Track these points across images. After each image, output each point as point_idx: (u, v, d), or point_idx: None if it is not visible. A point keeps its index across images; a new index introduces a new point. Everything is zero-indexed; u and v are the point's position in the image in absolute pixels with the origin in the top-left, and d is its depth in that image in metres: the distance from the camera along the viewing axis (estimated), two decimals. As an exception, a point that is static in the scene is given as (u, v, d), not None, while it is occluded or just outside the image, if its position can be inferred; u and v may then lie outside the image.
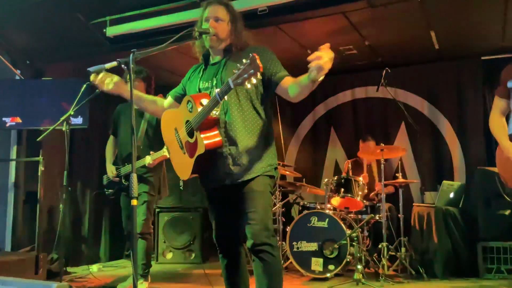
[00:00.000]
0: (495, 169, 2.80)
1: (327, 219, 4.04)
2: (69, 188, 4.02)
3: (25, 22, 4.40)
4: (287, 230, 4.20)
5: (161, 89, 2.99)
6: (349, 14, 3.98)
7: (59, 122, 3.36)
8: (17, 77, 4.83)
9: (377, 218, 4.31)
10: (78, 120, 4.44)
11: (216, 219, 2.35)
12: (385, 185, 4.74)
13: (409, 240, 4.29)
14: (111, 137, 3.89)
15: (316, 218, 4.08)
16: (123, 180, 3.61)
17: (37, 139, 3.64)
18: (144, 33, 4.18)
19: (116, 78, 2.27)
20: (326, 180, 4.46)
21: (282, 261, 4.48)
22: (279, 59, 2.23)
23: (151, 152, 3.44)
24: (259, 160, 2.19)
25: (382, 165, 4.21)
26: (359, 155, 4.92)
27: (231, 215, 2.29)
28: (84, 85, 3.44)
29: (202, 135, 2.06)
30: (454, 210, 4.17)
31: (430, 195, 5.00)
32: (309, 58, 1.85)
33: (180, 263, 5.06)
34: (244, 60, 1.87)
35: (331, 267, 3.94)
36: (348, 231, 3.95)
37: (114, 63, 1.82)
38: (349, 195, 4.28)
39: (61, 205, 3.76)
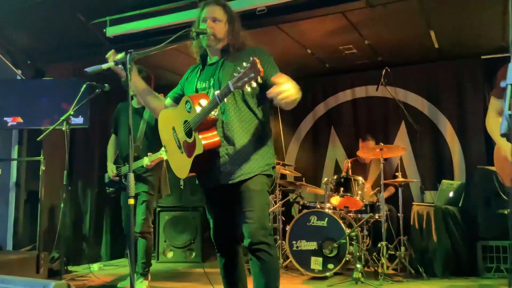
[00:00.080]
0: (494, 168, 2.80)
1: (326, 218, 4.05)
2: (70, 188, 4.04)
3: (26, 22, 4.42)
4: (287, 229, 4.21)
5: (161, 89, 3.00)
6: (348, 13, 3.98)
7: (59, 122, 3.38)
8: (18, 77, 4.86)
9: (377, 217, 4.32)
10: (79, 120, 4.46)
11: (213, 218, 2.36)
12: (386, 186, 4.76)
13: (408, 239, 4.29)
14: (113, 136, 3.91)
15: (316, 217, 4.09)
16: (123, 179, 3.63)
17: (37, 139, 3.66)
18: (144, 33, 4.19)
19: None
20: (325, 179, 4.47)
21: (282, 260, 4.50)
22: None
23: (149, 154, 3.46)
24: (257, 160, 2.21)
25: (382, 165, 4.21)
26: (359, 154, 4.92)
27: (228, 214, 2.30)
28: (84, 85, 3.46)
29: (200, 136, 2.07)
30: (453, 209, 4.17)
31: (430, 194, 5.00)
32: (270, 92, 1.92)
33: (181, 262, 5.08)
34: (244, 64, 1.88)
35: (330, 266, 3.95)
36: (348, 230, 3.96)
37: (111, 63, 1.83)
38: (349, 194, 4.29)
39: (62, 204, 3.78)
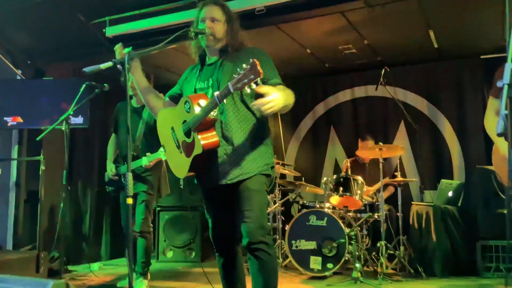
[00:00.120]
0: (493, 168, 2.81)
1: (325, 218, 4.06)
2: (69, 187, 4.05)
3: (26, 22, 4.43)
4: (286, 228, 4.22)
5: (161, 89, 2.99)
6: (347, 13, 3.99)
7: (58, 121, 3.39)
8: (18, 77, 4.87)
9: (376, 216, 4.33)
10: (79, 120, 4.47)
11: (212, 218, 2.37)
12: (386, 186, 4.77)
13: (408, 238, 4.30)
14: (113, 135, 3.92)
15: (315, 217, 4.10)
16: (122, 179, 3.64)
17: (37, 139, 3.67)
18: (144, 33, 4.20)
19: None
20: (325, 179, 4.48)
21: (281, 260, 4.51)
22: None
23: (147, 154, 3.46)
24: (256, 160, 2.21)
25: (381, 164, 4.21)
26: (358, 154, 4.93)
27: (227, 214, 2.31)
28: (84, 85, 3.47)
29: (199, 136, 2.08)
30: (452, 208, 4.17)
31: (430, 194, 5.00)
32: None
33: (181, 262, 5.09)
34: (244, 65, 1.89)
35: (329, 265, 3.95)
36: (347, 230, 3.96)
37: (110, 63, 1.84)
38: (348, 194, 4.29)
39: (61, 204, 3.80)
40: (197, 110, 2.07)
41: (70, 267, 4.64)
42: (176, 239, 5.17)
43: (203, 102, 2.08)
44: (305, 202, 4.66)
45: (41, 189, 4.09)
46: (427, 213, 4.18)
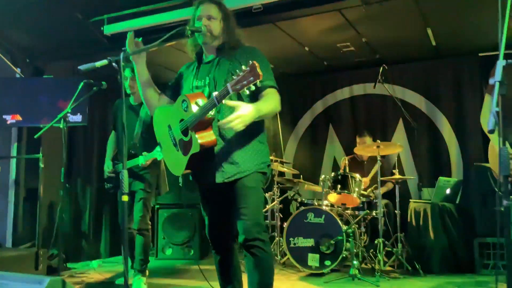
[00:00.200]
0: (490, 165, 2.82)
1: (323, 215, 4.07)
2: (67, 185, 4.06)
3: (25, 21, 4.44)
4: (284, 226, 4.24)
5: (158, 87, 3.01)
6: (345, 11, 3.99)
7: (55, 119, 3.40)
8: (17, 75, 4.88)
9: (374, 214, 4.34)
10: (77, 118, 4.49)
11: (209, 216, 2.38)
12: (384, 182, 4.77)
13: (405, 236, 4.31)
14: (113, 132, 3.94)
15: (313, 214, 4.11)
16: (120, 176, 3.64)
17: (35, 136, 3.69)
18: (142, 31, 4.20)
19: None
20: (323, 176, 4.49)
21: (280, 257, 4.52)
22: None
23: (143, 153, 3.48)
24: (252, 158, 2.23)
25: (378, 162, 4.22)
26: (356, 151, 4.93)
27: (224, 211, 2.32)
28: (82, 83, 3.48)
29: (197, 135, 2.09)
30: (450, 206, 4.19)
31: (428, 192, 5.00)
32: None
33: (180, 259, 5.11)
34: (243, 67, 1.90)
35: (327, 262, 3.97)
36: (344, 227, 3.97)
37: (105, 61, 1.85)
38: (346, 191, 4.30)
39: (60, 202, 3.81)
40: (194, 109, 2.08)
41: (69, 265, 4.67)
42: (175, 236, 5.19)
43: (200, 101, 2.09)
44: (303, 199, 4.67)
45: (40, 186, 4.11)
46: (425, 210, 4.19)
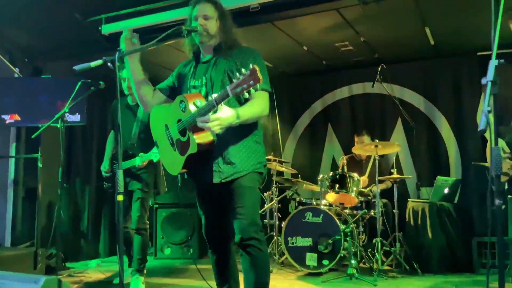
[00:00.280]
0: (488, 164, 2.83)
1: (321, 215, 4.07)
2: (65, 184, 4.07)
3: (23, 21, 4.44)
4: (282, 225, 4.24)
5: (156, 85, 3.02)
6: (342, 10, 3.99)
7: (53, 119, 3.41)
8: (16, 75, 4.89)
9: (372, 213, 4.34)
10: (76, 118, 4.50)
11: (205, 215, 2.39)
12: (383, 180, 4.77)
13: (403, 235, 4.31)
14: (112, 132, 3.94)
15: (311, 214, 4.11)
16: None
17: (32, 136, 3.70)
18: (139, 31, 4.19)
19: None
20: (321, 176, 4.49)
21: (278, 256, 4.53)
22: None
23: (140, 154, 3.48)
24: (249, 158, 2.24)
25: (377, 161, 4.22)
26: (354, 151, 4.94)
27: (220, 211, 2.33)
28: (79, 83, 3.48)
29: (194, 135, 2.10)
30: (448, 205, 4.19)
31: (426, 191, 5.01)
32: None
33: (178, 259, 5.11)
34: (243, 70, 1.91)
35: (325, 262, 3.97)
36: (342, 227, 3.98)
37: (100, 61, 1.86)
38: (344, 191, 4.30)
39: (58, 201, 3.82)
40: (192, 109, 2.09)
41: (68, 264, 4.67)
42: (173, 236, 5.20)
43: (198, 102, 2.10)
44: (302, 199, 4.68)
45: (39, 186, 4.12)
46: (423, 209, 4.19)
